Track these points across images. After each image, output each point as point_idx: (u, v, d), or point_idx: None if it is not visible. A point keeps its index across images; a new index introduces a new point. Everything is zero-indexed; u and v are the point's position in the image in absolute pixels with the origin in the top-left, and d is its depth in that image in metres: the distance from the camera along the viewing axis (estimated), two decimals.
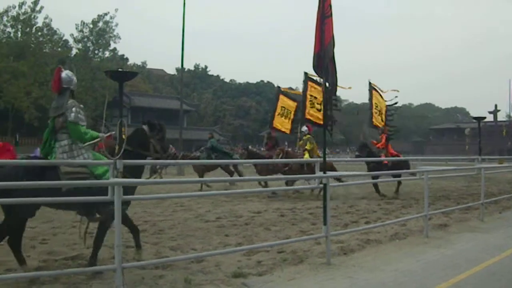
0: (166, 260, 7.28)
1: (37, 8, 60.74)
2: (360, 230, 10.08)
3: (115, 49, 71.75)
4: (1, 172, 6.48)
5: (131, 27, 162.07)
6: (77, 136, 6.92)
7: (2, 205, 6.57)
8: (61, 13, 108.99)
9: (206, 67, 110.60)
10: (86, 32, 67.06)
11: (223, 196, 16.04)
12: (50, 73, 59.18)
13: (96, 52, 68.29)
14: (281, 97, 19.89)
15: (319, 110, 13.89)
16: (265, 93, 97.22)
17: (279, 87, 21.31)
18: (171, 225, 9.15)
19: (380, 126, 18.00)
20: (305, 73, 14.90)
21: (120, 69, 7.06)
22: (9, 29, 60.86)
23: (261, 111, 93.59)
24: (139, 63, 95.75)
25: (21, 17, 60.24)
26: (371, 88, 17.36)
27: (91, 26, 66.72)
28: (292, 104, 19.60)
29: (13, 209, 6.46)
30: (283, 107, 19.68)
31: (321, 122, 13.39)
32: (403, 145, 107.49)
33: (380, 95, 17.92)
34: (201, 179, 17.18)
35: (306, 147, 18.61)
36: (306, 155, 18.21)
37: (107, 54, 69.64)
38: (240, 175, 21.12)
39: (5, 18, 60.08)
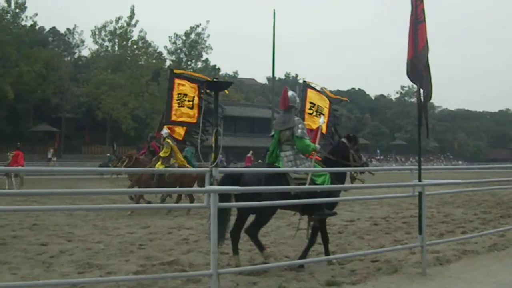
0: (261, 267, 7.38)
1: (133, 22, 63.41)
2: (457, 240, 9.78)
3: (207, 59, 73.70)
4: (250, 177, 7.78)
5: (222, 38, 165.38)
6: (303, 148, 8.03)
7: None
8: (155, 27, 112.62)
9: (296, 75, 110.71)
10: (179, 44, 69.26)
11: None
12: (145, 84, 61.39)
13: (189, 63, 70.00)
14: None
15: (190, 108, 11.72)
16: (357, 101, 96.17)
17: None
18: (264, 232, 9.23)
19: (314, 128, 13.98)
20: (170, 70, 12.34)
21: (215, 79, 7.27)
22: (106, 43, 64.06)
23: (352, 118, 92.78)
24: (231, 73, 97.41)
25: (118, 32, 63.06)
26: (305, 87, 14.11)
27: (183, 38, 68.81)
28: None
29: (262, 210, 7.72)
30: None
31: (193, 121, 11.79)
32: (501, 152, 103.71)
33: (322, 94, 14.59)
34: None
35: (161, 153, 15.92)
36: (159, 164, 15.70)
37: (199, 64, 71.29)
38: None
39: (103, 33, 63.29)
